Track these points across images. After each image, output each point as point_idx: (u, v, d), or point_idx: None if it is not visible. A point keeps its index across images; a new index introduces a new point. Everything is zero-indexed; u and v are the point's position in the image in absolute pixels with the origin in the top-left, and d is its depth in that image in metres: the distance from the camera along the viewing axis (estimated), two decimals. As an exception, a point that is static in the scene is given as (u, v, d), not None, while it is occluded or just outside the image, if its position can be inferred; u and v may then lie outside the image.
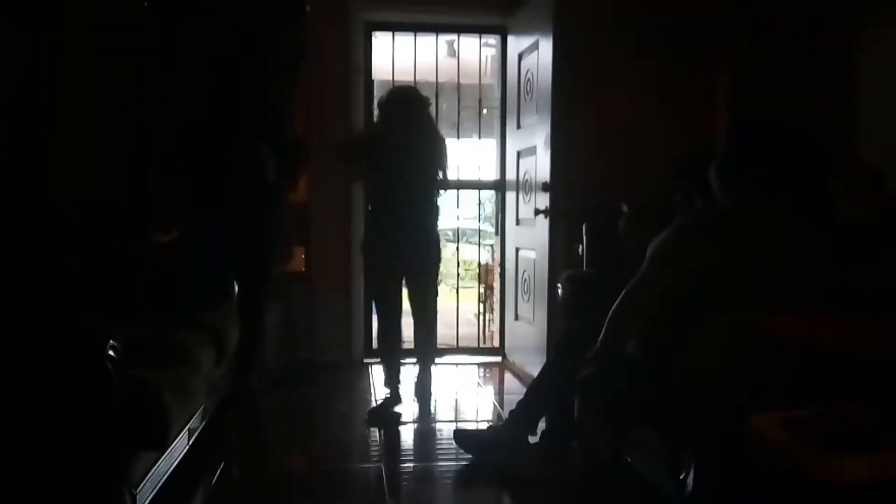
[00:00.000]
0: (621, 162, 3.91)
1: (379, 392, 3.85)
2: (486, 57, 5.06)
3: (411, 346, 3.67)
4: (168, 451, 2.13)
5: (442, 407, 3.78)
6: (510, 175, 4.36)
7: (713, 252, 1.99)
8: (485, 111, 5.28)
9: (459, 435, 2.92)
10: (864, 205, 2.52)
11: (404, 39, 4.62)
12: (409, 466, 2.92)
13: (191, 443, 2.41)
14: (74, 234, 2.84)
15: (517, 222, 4.26)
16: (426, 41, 4.71)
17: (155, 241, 3.29)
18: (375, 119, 3.82)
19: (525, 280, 4.14)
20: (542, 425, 2.79)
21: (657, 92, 3.97)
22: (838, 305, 1.96)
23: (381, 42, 4.57)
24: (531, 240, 3.98)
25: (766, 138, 2.09)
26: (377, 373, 4.19)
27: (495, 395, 4.00)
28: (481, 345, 4.96)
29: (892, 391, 1.74)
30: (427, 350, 3.61)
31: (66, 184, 3.35)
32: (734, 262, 1.98)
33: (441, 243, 3.65)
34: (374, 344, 4.15)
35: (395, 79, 4.57)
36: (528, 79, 4.05)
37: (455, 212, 5.91)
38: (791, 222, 2.01)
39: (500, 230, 4.57)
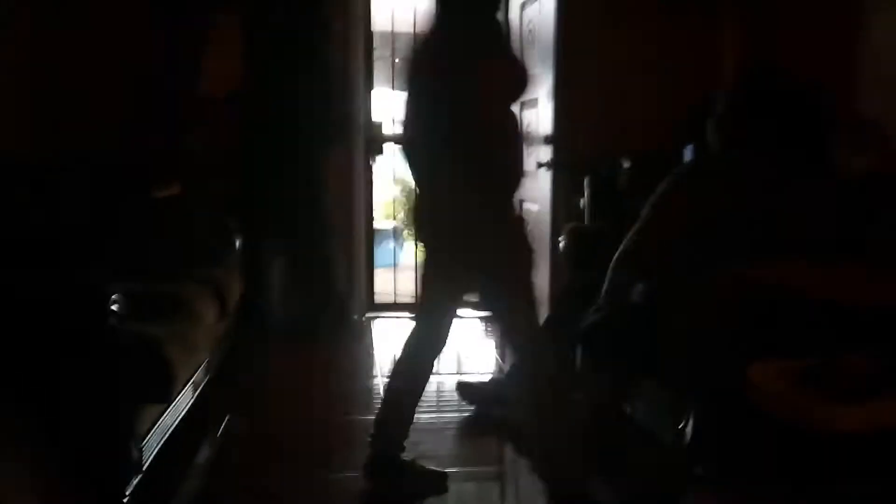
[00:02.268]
0: (625, 114, 3.86)
1: (380, 345, 3.89)
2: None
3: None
4: (172, 404, 2.15)
5: (444, 359, 3.81)
6: (512, 128, 4.30)
7: (714, 197, 1.99)
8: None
9: (462, 386, 2.95)
10: (864, 157, 2.50)
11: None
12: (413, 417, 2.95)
13: (195, 396, 2.43)
14: (76, 189, 2.83)
15: (519, 175, 4.22)
16: (426, -9, 4.62)
17: (156, 197, 3.28)
18: None
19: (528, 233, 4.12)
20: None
21: (663, 43, 3.90)
22: (837, 256, 1.96)
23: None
24: (533, 193, 3.96)
25: (768, 91, 2.07)
26: (378, 327, 4.23)
27: (497, 347, 4.03)
28: (483, 298, 4.97)
29: (889, 341, 1.75)
30: None
31: (66, 139, 3.33)
32: (733, 208, 1.98)
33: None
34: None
35: (395, 30, 4.49)
36: (531, 29, 3.97)
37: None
38: (791, 172, 2.00)
39: (502, 184, 4.54)
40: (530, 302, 2.13)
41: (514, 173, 2.11)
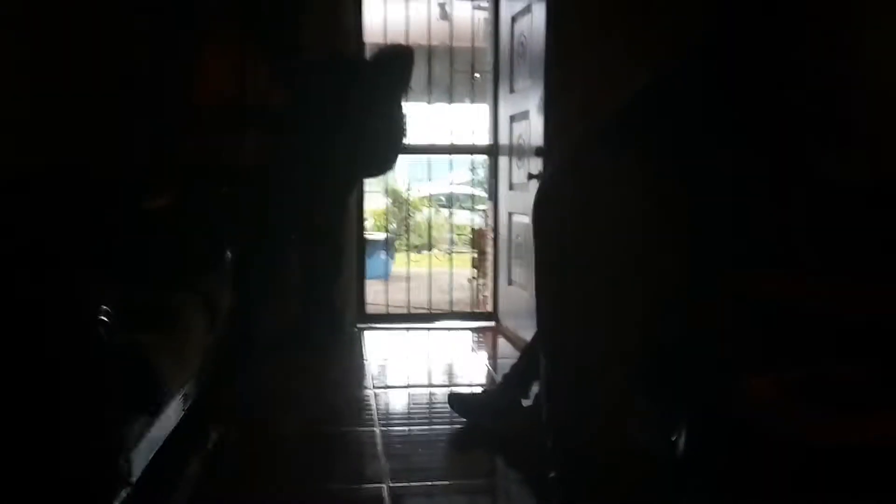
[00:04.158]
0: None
1: (372, 356, 3.87)
2: (479, 20, 5.00)
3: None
4: (162, 416, 2.13)
5: (436, 371, 3.79)
6: (503, 140, 4.32)
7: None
8: (477, 75, 5.22)
9: (454, 398, 2.94)
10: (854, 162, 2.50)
11: (396, 0, 4.55)
12: (404, 430, 2.93)
13: (185, 408, 2.41)
14: (67, 198, 2.81)
15: (510, 187, 4.24)
16: (418, 3, 4.64)
17: (147, 207, 3.27)
18: None
19: (518, 245, 4.13)
20: (535, 389, 2.80)
21: (652, 55, 3.91)
22: (832, 267, 1.96)
23: (373, 3, 4.49)
24: (524, 204, 3.96)
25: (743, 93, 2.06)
26: (369, 338, 4.22)
27: (489, 359, 4.02)
28: (475, 310, 4.98)
29: (883, 353, 1.75)
30: None
31: (58, 148, 3.33)
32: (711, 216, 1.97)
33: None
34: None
35: (387, 41, 4.50)
36: (521, 42, 3.99)
37: (448, 177, 5.89)
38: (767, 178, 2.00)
39: (493, 195, 4.56)
40: None
41: None
